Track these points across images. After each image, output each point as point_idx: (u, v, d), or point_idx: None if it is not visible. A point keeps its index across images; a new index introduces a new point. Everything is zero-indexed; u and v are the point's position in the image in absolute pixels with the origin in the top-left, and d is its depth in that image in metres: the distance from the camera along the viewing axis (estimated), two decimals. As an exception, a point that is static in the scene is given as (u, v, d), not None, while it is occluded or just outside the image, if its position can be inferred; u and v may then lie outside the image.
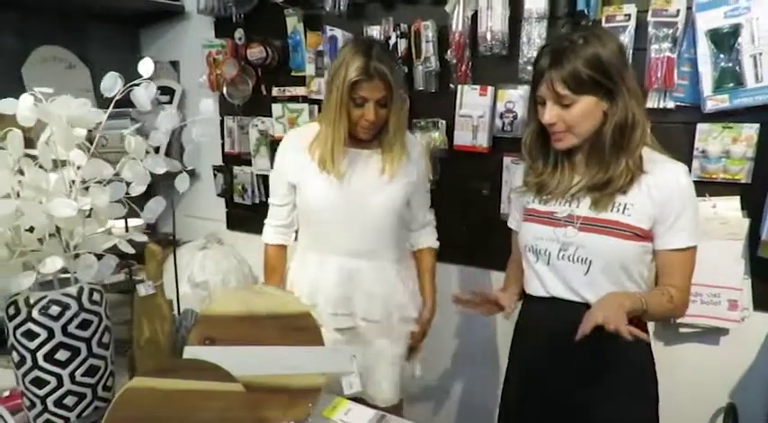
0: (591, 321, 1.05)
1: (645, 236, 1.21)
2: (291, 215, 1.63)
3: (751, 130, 1.60)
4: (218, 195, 2.56)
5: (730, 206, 1.64)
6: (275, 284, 1.57)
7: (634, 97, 1.18)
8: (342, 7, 2.08)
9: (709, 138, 1.65)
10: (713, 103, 1.60)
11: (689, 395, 1.72)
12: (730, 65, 1.57)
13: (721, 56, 1.58)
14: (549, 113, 1.19)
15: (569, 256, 1.24)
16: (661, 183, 1.20)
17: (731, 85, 1.58)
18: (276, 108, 2.29)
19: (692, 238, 1.22)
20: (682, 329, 1.72)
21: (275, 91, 2.31)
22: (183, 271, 2.35)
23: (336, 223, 1.53)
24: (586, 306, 1.21)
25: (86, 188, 0.92)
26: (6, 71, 2.18)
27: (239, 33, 2.33)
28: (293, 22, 2.23)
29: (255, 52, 2.27)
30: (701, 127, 1.65)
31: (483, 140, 1.95)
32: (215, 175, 2.51)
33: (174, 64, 2.65)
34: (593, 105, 1.17)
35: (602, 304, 1.09)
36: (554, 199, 1.29)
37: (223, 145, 2.49)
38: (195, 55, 2.48)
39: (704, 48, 1.59)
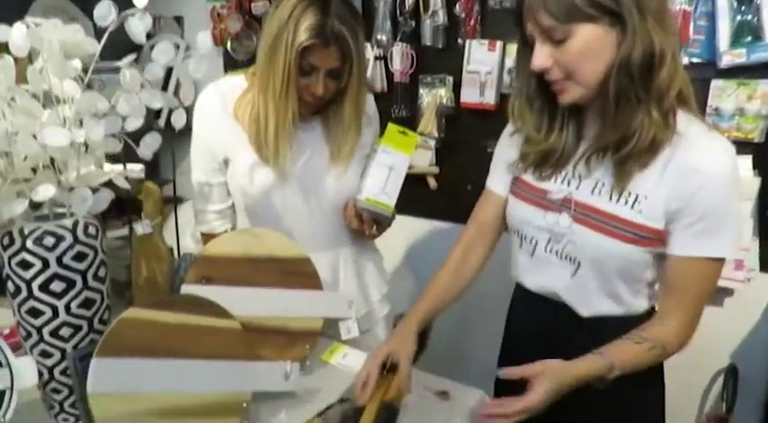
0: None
1: (660, 238, 0.95)
2: (230, 196, 1.34)
3: (767, 87, 1.56)
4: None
5: (742, 165, 1.60)
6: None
7: (659, 22, 0.86)
8: (349, -41, 2.03)
9: (723, 95, 1.61)
10: (729, 58, 1.56)
11: (690, 356, 1.71)
12: (749, 18, 1.53)
13: (741, 8, 1.53)
14: (538, 56, 0.90)
15: (558, 251, 1.02)
16: (690, 163, 0.90)
17: (749, 38, 1.54)
18: (281, 63, 2.26)
19: (720, 246, 0.92)
20: (686, 290, 1.71)
21: (280, 46, 2.28)
22: (185, 227, 2.37)
23: (276, 211, 1.29)
24: (564, 307, 1.05)
25: (81, 122, 0.91)
26: (8, 22, 2.16)
27: (244, -14, 2.29)
28: (299, -25, 2.18)
29: (260, 6, 2.23)
30: (715, 84, 1.61)
31: (490, 97, 1.92)
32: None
33: (179, 20, 2.61)
34: (596, 37, 0.87)
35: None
36: (554, 175, 1.03)
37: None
38: (200, 10, 2.45)
39: (723, 0, 1.55)
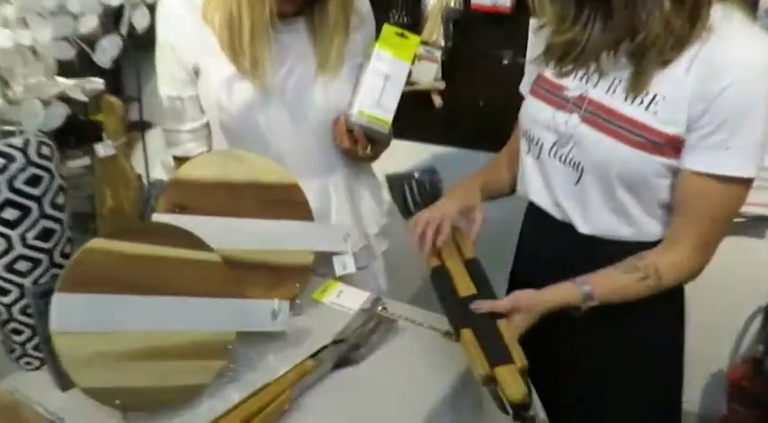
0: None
1: (673, 147, 0.94)
2: (204, 113, 1.32)
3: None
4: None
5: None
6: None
7: None
8: None
9: (780, -8, 1.56)
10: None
11: (725, 293, 1.74)
12: None
13: None
14: None
15: (562, 156, 1.04)
16: (718, 61, 0.87)
17: None
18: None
19: (739, 164, 0.90)
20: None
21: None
22: (155, 155, 2.35)
23: (256, 130, 1.26)
24: (569, 229, 1.07)
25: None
26: None
27: None
28: None
29: None
30: (770, -22, 1.56)
31: (506, -1, 1.86)
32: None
33: None
34: None
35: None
36: (574, 71, 1.04)
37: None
38: None
39: None
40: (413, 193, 1.17)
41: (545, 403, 1.12)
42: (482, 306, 0.93)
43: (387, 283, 1.54)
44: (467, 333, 0.91)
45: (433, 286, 1.03)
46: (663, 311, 1.08)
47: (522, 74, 1.22)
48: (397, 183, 1.19)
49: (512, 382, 0.84)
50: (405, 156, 2.17)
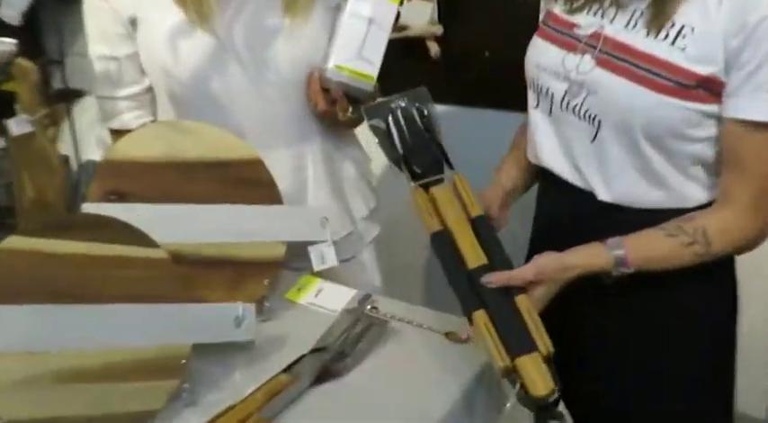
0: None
1: (707, 89, 0.95)
2: (145, 76, 1.33)
3: None
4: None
5: None
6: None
7: None
8: None
9: None
10: None
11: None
12: None
13: None
14: None
15: (575, 108, 1.05)
16: None
17: None
18: None
19: None
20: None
21: None
22: (88, 131, 2.35)
23: (211, 94, 1.27)
24: (590, 196, 1.09)
25: None
26: None
27: None
28: None
29: None
30: None
31: None
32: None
33: None
34: None
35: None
36: (588, 4, 1.07)
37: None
38: None
39: None
40: (399, 128, 1.12)
41: (567, 372, 1.14)
42: (494, 279, 0.95)
43: (379, 277, 1.55)
44: (479, 316, 0.92)
45: (437, 258, 1.03)
46: (709, 272, 1.07)
47: (537, 14, 1.21)
48: (377, 114, 1.13)
49: (537, 375, 0.86)
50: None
